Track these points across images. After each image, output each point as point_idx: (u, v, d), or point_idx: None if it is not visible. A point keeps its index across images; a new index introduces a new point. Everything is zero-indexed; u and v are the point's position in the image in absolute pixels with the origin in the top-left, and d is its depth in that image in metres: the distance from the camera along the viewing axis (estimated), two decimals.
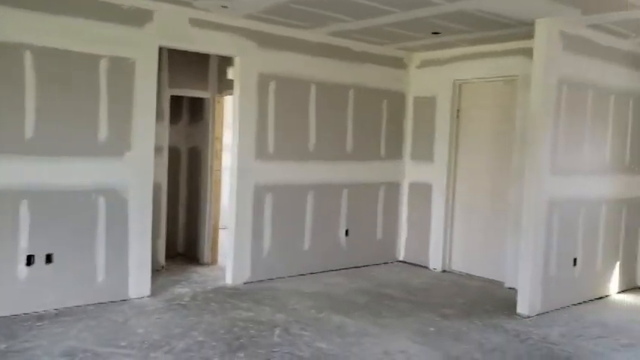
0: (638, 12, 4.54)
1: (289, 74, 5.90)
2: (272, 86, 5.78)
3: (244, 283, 5.73)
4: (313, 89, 6.11)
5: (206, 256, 6.54)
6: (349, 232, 6.58)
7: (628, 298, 5.85)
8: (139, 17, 4.89)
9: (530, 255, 5.03)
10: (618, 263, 5.98)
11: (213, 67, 6.46)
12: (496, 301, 5.54)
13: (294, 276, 6.11)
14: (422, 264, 6.90)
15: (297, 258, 6.15)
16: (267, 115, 5.77)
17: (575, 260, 5.45)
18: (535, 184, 4.99)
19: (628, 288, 6.16)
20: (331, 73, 6.24)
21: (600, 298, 5.78)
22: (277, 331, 4.41)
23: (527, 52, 5.63)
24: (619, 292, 6.02)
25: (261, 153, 5.76)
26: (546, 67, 4.95)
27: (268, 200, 5.85)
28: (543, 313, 5.13)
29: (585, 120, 5.42)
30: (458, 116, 6.58)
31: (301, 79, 6.01)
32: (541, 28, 4.93)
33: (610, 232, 5.83)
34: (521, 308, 5.08)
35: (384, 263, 7.00)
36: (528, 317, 5.02)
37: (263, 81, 5.72)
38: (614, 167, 5.81)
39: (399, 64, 6.91)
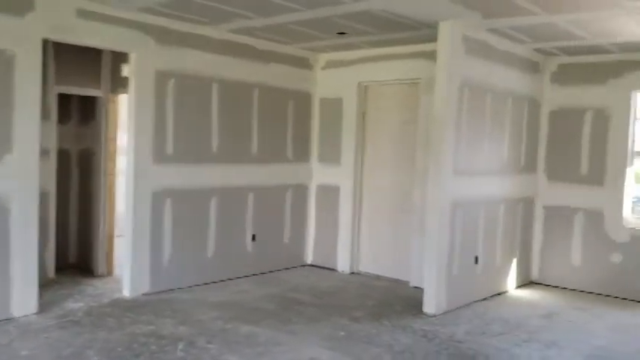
0: (533, 18, 4.71)
1: (189, 72, 5.61)
2: (171, 85, 5.46)
3: (143, 295, 5.35)
4: (215, 88, 5.85)
5: (100, 266, 6.08)
6: (256, 237, 6.37)
7: (524, 294, 6.11)
8: (18, 5, 4.41)
9: (435, 255, 5.10)
10: (515, 260, 6.24)
11: (106, 63, 6.01)
12: (403, 301, 5.57)
13: (198, 285, 5.80)
14: (330, 267, 6.84)
15: (201, 266, 5.86)
16: (165, 115, 5.44)
17: (476, 258, 5.60)
18: (439, 185, 5.06)
19: (524, 283, 6.44)
20: (234, 71, 6.01)
21: (499, 294, 5.99)
22: (181, 346, 4.13)
23: (430, 56, 5.73)
24: (516, 288, 6.27)
25: (159, 155, 5.41)
26: (449, 69, 5.03)
27: (168, 205, 5.52)
28: (448, 312, 5.21)
29: (485, 122, 5.58)
30: (364, 118, 6.58)
31: (202, 78, 5.73)
32: (444, 30, 5.01)
33: (508, 230, 6.06)
34: (428, 307, 5.13)
35: (293, 267, 6.86)
36: (434, 316, 5.07)
37: (161, 79, 5.38)
38: (511, 168, 6.04)
39: (304, 64, 6.80)
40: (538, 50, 6.06)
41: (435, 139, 5.08)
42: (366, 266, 6.65)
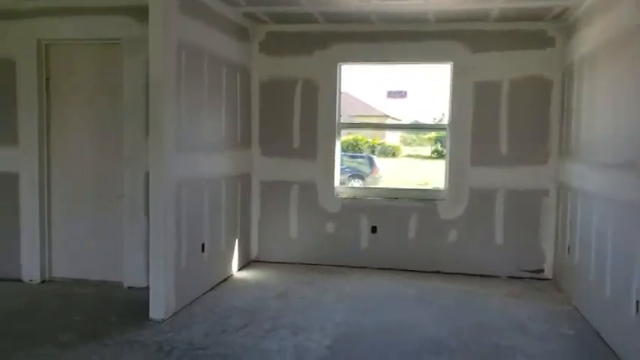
0: None
1: None
2: None
3: None
4: None
5: None
6: None
7: (249, 275, 5.77)
8: None
9: (161, 247, 4.30)
10: (237, 240, 5.84)
11: None
12: (121, 308, 4.62)
13: None
14: (12, 277, 5.32)
15: None
16: None
17: (203, 245, 4.99)
18: (161, 165, 4.24)
19: (246, 263, 6.12)
20: None
21: (225, 279, 5.52)
22: None
23: (133, 12, 4.87)
24: (239, 269, 5.90)
25: None
26: (165, 29, 4.20)
27: None
28: (179, 312, 4.50)
29: (204, 93, 4.95)
30: (48, 86, 5.22)
31: None
32: None
33: (230, 211, 5.61)
34: (155, 312, 4.32)
35: None
36: (164, 321, 4.30)
37: None
38: (229, 143, 5.57)
39: None
40: (247, 15, 5.67)
41: (154, 112, 4.22)
42: (62, 270, 5.37)
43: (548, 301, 5.09)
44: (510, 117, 5.70)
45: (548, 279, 5.72)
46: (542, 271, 5.76)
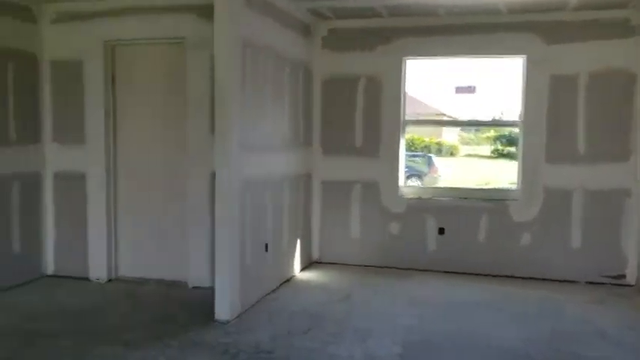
0: None
1: None
2: None
3: None
4: None
5: None
6: None
7: (311, 276, 5.65)
8: None
9: (227, 248, 4.23)
10: (299, 241, 5.73)
11: None
12: (186, 308, 4.59)
13: None
14: (80, 275, 5.40)
15: None
16: None
17: (266, 246, 4.90)
18: (227, 165, 4.17)
19: (308, 264, 6.00)
20: None
21: (287, 280, 5.42)
22: None
23: (197, 10, 4.84)
24: (301, 270, 5.79)
25: None
26: (230, 26, 4.13)
27: None
28: (243, 314, 4.42)
29: (267, 90, 4.85)
30: (114, 86, 5.26)
31: None
32: None
33: (292, 211, 5.50)
34: (221, 313, 4.25)
35: (27, 283, 5.24)
36: (229, 322, 4.22)
37: None
38: (292, 142, 5.46)
39: (25, 16, 5.16)
40: (311, 11, 5.55)
41: (220, 111, 4.15)
42: (128, 270, 5.41)
43: (632, 308, 4.74)
44: (589, 111, 5.35)
45: (631, 285, 5.33)
46: (623, 276, 5.37)
